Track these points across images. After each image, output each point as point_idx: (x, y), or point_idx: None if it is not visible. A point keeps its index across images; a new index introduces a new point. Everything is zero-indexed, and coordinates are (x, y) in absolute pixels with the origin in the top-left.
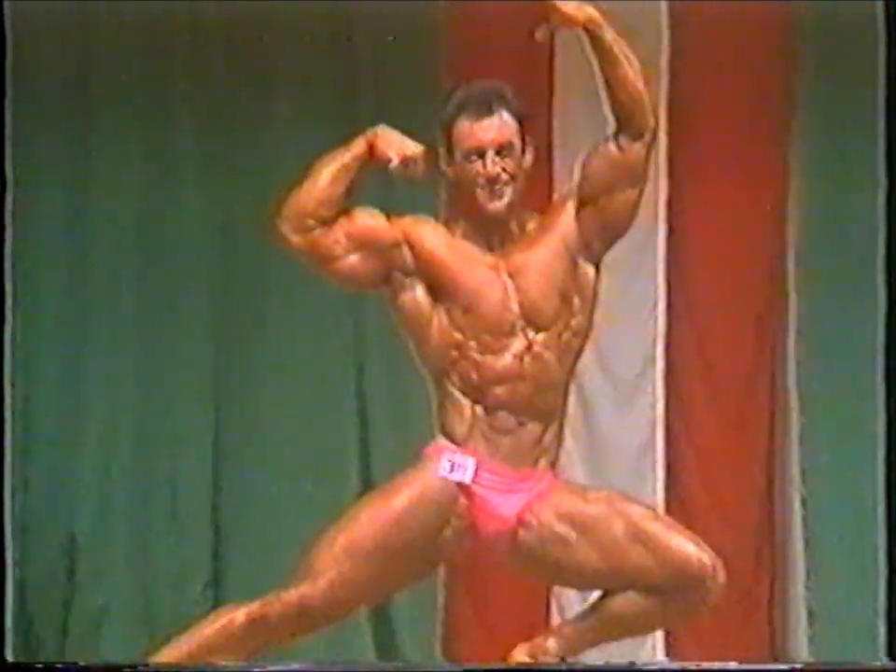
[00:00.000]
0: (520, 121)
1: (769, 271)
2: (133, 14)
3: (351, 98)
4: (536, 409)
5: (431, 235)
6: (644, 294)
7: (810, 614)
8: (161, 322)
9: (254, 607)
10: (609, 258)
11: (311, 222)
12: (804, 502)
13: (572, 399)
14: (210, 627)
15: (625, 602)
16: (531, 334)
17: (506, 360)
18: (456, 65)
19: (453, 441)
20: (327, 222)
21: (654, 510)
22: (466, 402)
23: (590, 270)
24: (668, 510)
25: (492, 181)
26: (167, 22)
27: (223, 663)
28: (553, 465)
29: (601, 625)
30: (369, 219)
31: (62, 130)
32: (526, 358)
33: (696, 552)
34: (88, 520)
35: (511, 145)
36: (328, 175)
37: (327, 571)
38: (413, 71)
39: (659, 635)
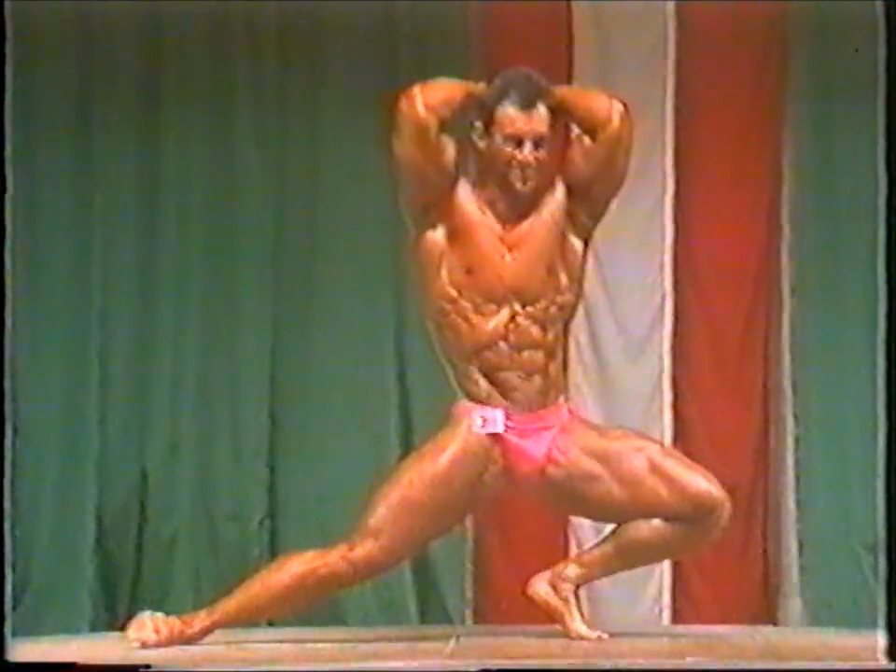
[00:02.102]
0: (552, 113)
1: (766, 238)
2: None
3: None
4: (530, 367)
5: (466, 192)
6: (652, 259)
7: (800, 544)
8: (224, 280)
9: (321, 567)
10: (620, 225)
11: (444, 112)
12: (796, 443)
13: (588, 351)
14: (278, 579)
15: (640, 531)
16: (517, 306)
17: (491, 326)
18: (485, 59)
19: (474, 400)
20: (444, 122)
21: (668, 447)
22: (468, 367)
23: (578, 244)
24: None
25: (525, 167)
26: (224, 19)
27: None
28: (564, 395)
29: (618, 553)
30: (452, 147)
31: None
32: (511, 327)
33: (708, 485)
34: (157, 458)
35: (544, 137)
36: (464, 89)
37: (387, 529)
38: (446, 63)
39: (666, 600)
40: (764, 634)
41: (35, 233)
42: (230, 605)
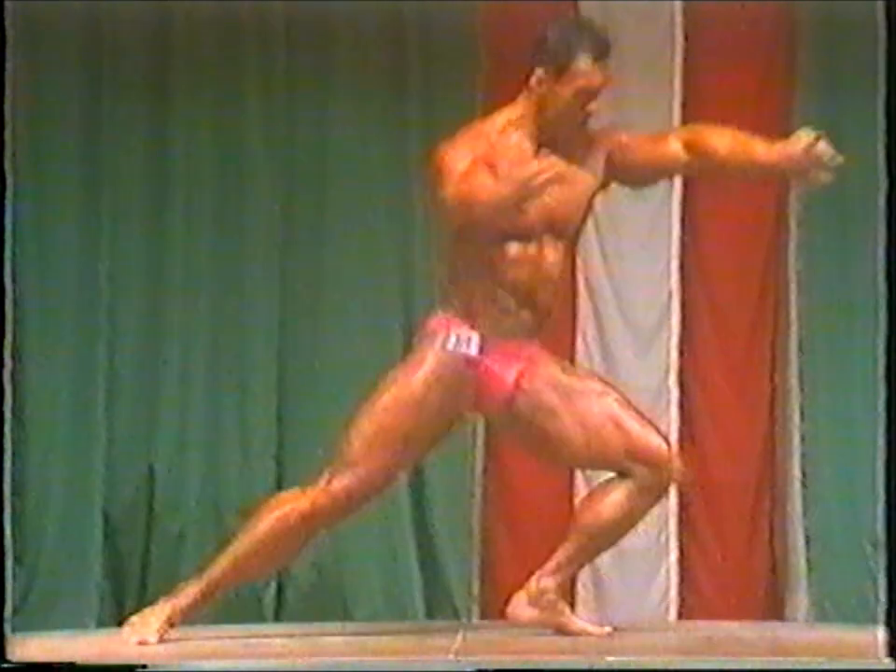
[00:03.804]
0: None
1: (773, 233)
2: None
3: (399, 86)
4: (534, 300)
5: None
6: (660, 253)
7: (807, 540)
8: (231, 277)
9: (303, 503)
10: (628, 220)
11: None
12: (802, 438)
13: (596, 345)
14: (264, 526)
15: (602, 514)
16: (545, 237)
17: (518, 250)
18: (492, 55)
19: (456, 316)
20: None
21: (628, 399)
22: (477, 280)
23: (592, 196)
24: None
25: (587, 117)
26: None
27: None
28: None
29: (586, 544)
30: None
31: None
32: (536, 253)
33: (659, 442)
34: (165, 454)
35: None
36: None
37: (363, 460)
38: (453, 57)
39: (673, 595)
40: (771, 629)
41: (43, 230)
42: (218, 566)
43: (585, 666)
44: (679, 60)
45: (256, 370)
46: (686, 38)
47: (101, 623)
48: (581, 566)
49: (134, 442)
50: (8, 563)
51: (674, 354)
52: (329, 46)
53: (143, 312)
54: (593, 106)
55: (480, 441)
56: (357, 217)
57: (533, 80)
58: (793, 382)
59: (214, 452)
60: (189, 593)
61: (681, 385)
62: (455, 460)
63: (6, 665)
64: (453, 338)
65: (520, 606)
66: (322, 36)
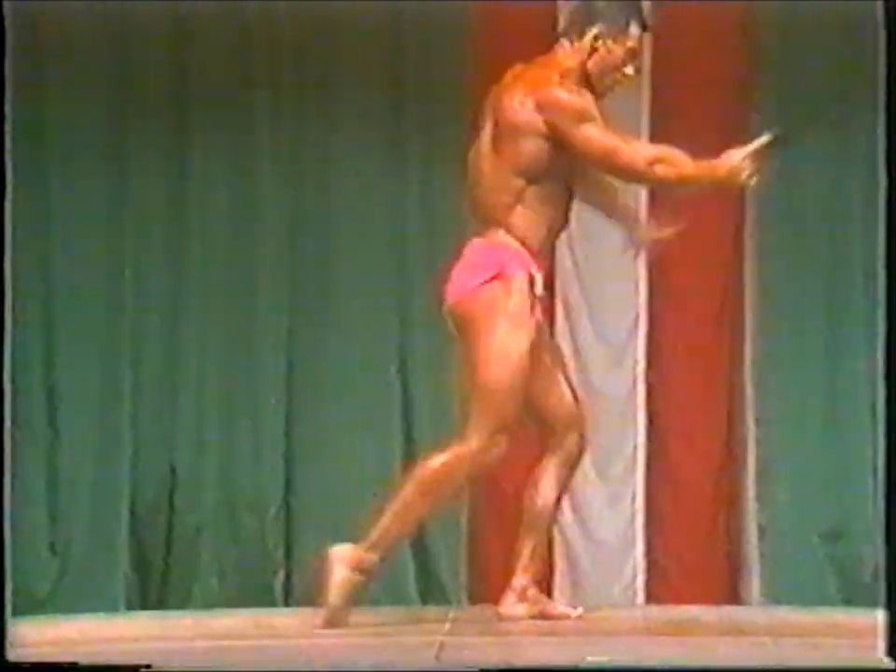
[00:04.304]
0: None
1: (731, 254)
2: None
3: (397, 123)
4: (553, 239)
5: None
6: (630, 274)
7: (761, 532)
8: (244, 293)
9: (438, 469)
10: (603, 244)
11: None
12: (757, 441)
13: (571, 358)
14: (409, 491)
15: (544, 498)
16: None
17: (560, 188)
18: (482, 59)
19: (519, 244)
20: None
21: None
22: (534, 212)
23: None
24: (648, 448)
25: (624, 79)
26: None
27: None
28: None
29: (539, 531)
30: None
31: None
32: (566, 195)
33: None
34: (185, 456)
35: None
36: None
37: (484, 426)
38: (446, 72)
39: (640, 581)
40: (728, 611)
41: (72, 253)
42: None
43: (589, 666)
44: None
45: (265, 380)
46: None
47: (129, 607)
48: (545, 549)
49: (157, 446)
50: (8, 564)
51: (642, 365)
52: (332, 80)
53: (163, 329)
54: (631, 70)
55: None
56: (359, 240)
57: (589, 36)
58: (749, 391)
59: (228, 454)
60: (369, 558)
61: (649, 393)
62: None
63: (5, 665)
64: (539, 281)
65: (511, 605)
66: (325, 71)
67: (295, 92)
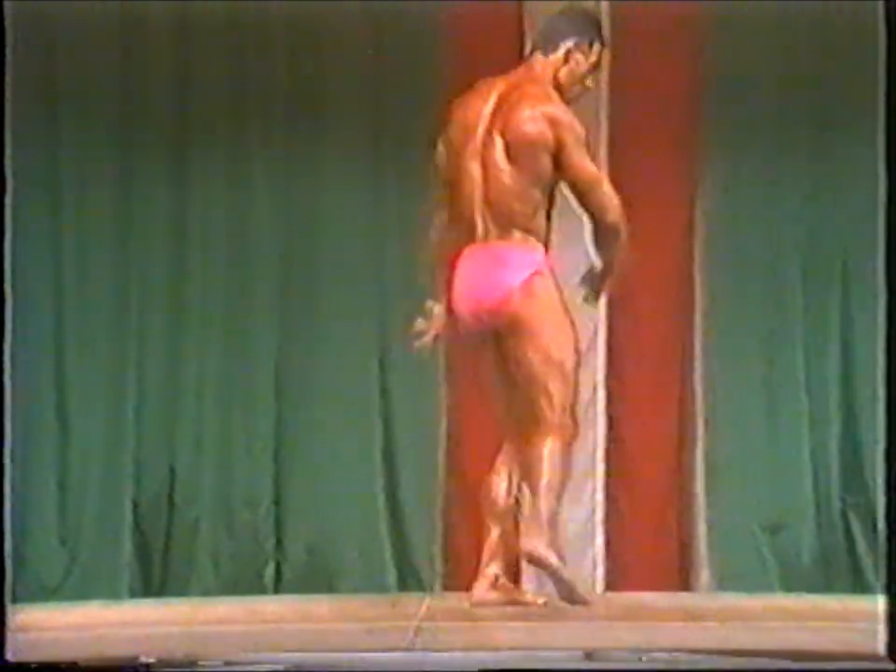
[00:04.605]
0: None
1: (682, 272)
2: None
3: (378, 155)
4: None
5: None
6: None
7: (709, 526)
8: (239, 308)
9: (566, 439)
10: (567, 265)
11: None
12: (706, 441)
13: None
14: (560, 456)
15: (502, 482)
16: None
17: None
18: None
19: (540, 240)
20: None
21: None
22: (542, 216)
23: None
24: (607, 449)
25: (584, 91)
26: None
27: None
28: None
29: (498, 517)
30: None
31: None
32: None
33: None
34: (184, 455)
35: None
36: None
37: (561, 405)
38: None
39: (600, 571)
40: (680, 598)
41: (81, 267)
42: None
43: (583, 667)
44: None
45: (258, 386)
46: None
47: (131, 594)
48: (513, 540)
49: (158, 446)
50: (53, 543)
51: (601, 374)
52: (321, 113)
53: (165, 340)
54: (590, 82)
55: (442, 443)
56: (344, 262)
57: (563, 49)
58: (699, 398)
59: (224, 453)
60: (542, 540)
61: (608, 398)
62: (423, 461)
63: (6, 665)
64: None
65: (483, 592)
66: (314, 103)
67: (285, 124)
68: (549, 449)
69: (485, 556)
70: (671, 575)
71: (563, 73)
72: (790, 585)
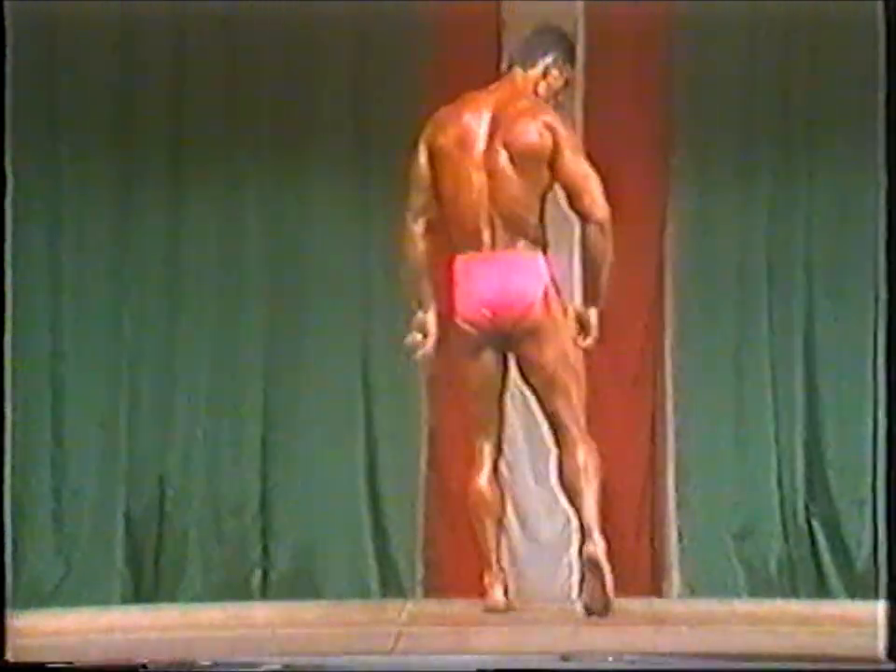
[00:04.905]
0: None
1: (652, 292)
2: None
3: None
4: None
5: None
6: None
7: (679, 534)
8: (229, 327)
9: (594, 453)
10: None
11: None
12: (676, 454)
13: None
14: (591, 481)
15: (497, 484)
16: None
17: None
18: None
19: (541, 246)
20: None
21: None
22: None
23: None
24: None
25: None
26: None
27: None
28: None
29: (497, 517)
30: None
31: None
32: None
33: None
34: (174, 466)
35: None
36: None
37: (583, 410)
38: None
39: (575, 576)
40: (651, 603)
41: (78, 286)
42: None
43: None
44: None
45: (246, 402)
46: (588, 44)
47: (122, 601)
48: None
49: (149, 458)
50: (48, 551)
51: None
52: (307, 143)
53: (157, 352)
54: (561, 97)
55: (424, 452)
56: (329, 282)
57: (542, 65)
58: (669, 411)
59: (213, 465)
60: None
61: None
62: (404, 470)
63: (6, 665)
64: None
65: (501, 597)
66: (303, 139)
67: (274, 152)
68: (583, 457)
69: (491, 557)
70: (643, 581)
71: (541, 87)
72: (756, 591)
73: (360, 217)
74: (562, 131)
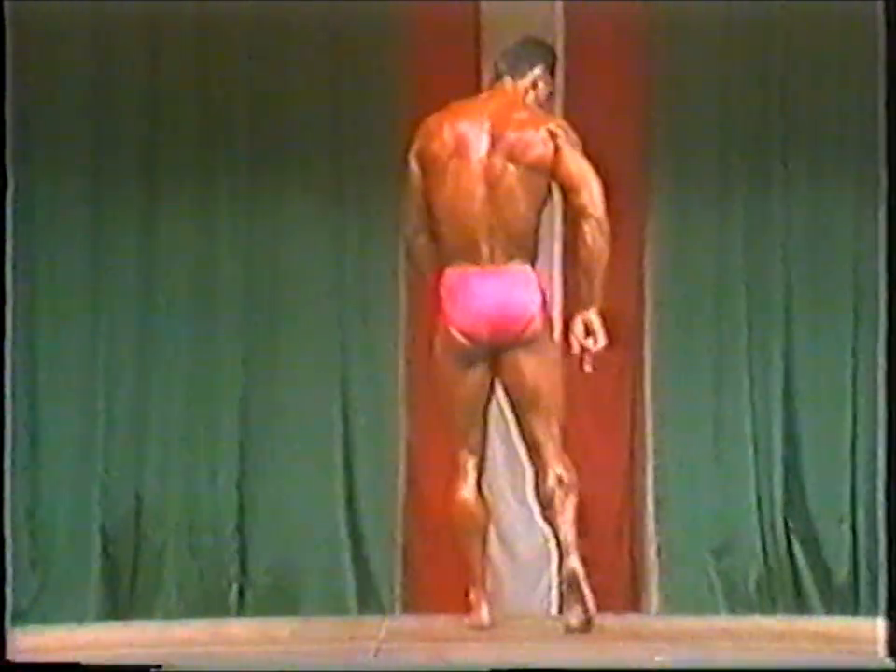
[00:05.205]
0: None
1: (631, 310)
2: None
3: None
4: None
5: None
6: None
7: (658, 551)
8: (204, 344)
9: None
10: None
11: None
12: (655, 472)
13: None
14: (571, 500)
15: (484, 501)
16: None
17: None
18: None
19: (532, 259)
20: None
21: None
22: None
23: None
24: None
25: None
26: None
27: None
28: None
29: (484, 534)
30: None
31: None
32: None
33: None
34: (150, 483)
35: None
36: None
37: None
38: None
39: (554, 592)
40: (631, 619)
41: (55, 299)
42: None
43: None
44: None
45: (222, 415)
46: (567, 45)
47: (98, 618)
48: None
49: (125, 475)
50: (24, 567)
51: None
52: (281, 157)
53: (133, 369)
54: (545, 109)
55: (402, 468)
56: (305, 295)
57: (532, 76)
58: (649, 431)
59: (189, 482)
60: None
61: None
62: (382, 486)
63: (5, 666)
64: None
65: (484, 614)
66: (275, 148)
67: (248, 168)
68: (561, 474)
69: (476, 573)
70: (623, 597)
71: (529, 98)
72: (734, 607)
73: (336, 233)
74: (562, 133)
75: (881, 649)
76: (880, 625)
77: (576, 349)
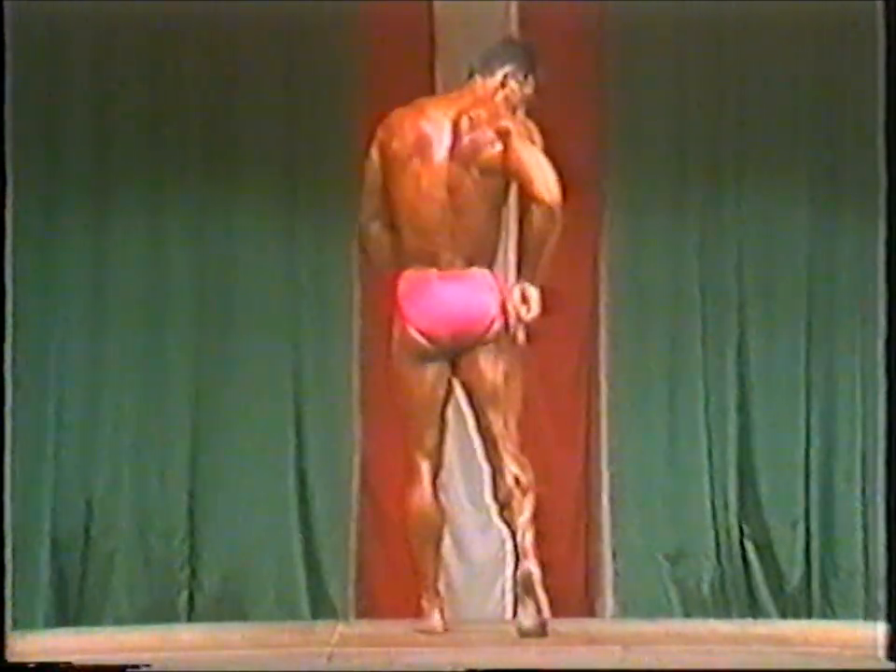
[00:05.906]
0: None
1: (587, 322)
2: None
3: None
4: None
5: None
6: None
7: (613, 555)
8: (157, 351)
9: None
10: None
11: None
12: (611, 476)
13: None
14: (529, 503)
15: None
16: None
17: None
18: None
19: (490, 262)
20: None
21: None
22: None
23: None
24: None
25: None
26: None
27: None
28: None
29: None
30: None
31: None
32: None
33: None
34: (100, 489)
35: None
36: None
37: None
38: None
39: (508, 597)
40: (584, 623)
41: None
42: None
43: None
44: None
45: (174, 424)
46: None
47: (47, 624)
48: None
49: (76, 481)
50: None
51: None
52: (236, 166)
53: (83, 375)
54: (522, 113)
55: (356, 474)
56: (258, 306)
57: (500, 74)
58: (604, 438)
59: (139, 488)
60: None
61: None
62: (336, 492)
63: (5, 666)
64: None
65: (435, 619)
66: (230, 161)
67: (200, 175)
68: (518, 475)
69: (429, 579)
70: (577, 602)
71: (499, 97)
72: (689, 611)
73: (288, 240)
74: (512, 128)
75: (881, 652)
76: (880, 629)
77: (512, 319)
